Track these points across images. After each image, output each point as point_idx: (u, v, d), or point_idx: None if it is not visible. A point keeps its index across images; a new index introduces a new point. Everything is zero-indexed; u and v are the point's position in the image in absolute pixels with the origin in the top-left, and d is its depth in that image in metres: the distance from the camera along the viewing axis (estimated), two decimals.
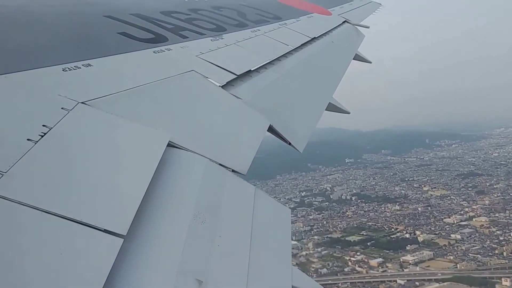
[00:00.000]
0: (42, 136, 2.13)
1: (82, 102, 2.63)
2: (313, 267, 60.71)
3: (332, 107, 6.22)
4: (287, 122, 4.34)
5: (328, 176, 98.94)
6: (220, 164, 2.90)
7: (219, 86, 4.03)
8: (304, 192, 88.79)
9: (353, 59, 9.00)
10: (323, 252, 65.21)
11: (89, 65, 3.23)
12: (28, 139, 2.07)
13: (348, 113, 6.94)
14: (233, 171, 2.96)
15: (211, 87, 3.99)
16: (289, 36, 7.01)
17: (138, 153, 2.53)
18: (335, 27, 9.60)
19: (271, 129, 3.92)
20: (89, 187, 2.05)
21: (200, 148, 2.90)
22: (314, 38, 7.69)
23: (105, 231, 1.78)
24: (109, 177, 2.19)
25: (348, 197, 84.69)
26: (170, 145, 2.70)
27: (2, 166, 1.83)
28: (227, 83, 4.15)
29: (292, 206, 78.33)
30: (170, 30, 4.99)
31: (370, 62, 10.45)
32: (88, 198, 1.97)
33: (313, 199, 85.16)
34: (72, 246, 1.69)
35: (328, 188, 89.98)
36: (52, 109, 2.44)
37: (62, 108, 2.47)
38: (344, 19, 10.85)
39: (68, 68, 3.03)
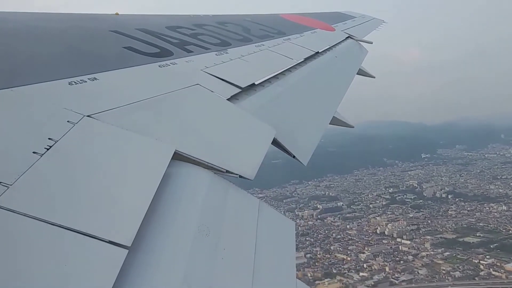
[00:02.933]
0: (48, 149, 2.15)
1: (87, 115, 2.65)
2: (443, 270, 57.82)
3: (336, 121, 6.22)
4: (291, 135, 4.35)
5: (408, 172, 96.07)
6: (227, 171, 2.90)
7: (225, 99, 4.06)
8: (391, 189, 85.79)
9: (357, 73, 9.04)
10: (445, 254, 61.64)
11: (95, 78, 3.26)
12: (34, 152, 2.08)
13: (352, 127, 6.94)
14: (240, 176, 2.96)
15: (216, 99, 4.01)
16: (293, 51, 7.05)
17: (143, 166, 2.53)
18: (338, 42, 9.66)
19: (275, 142, 3.93)
20: (94, 199, 2.05)
21: (207, 155, 2.90)
22: (318, 52, 7.74)
23: (110, 242, 1.78)
24: (114, 189, 2.19)
25: (443, 195, 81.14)
26: (176, 154, 2.70)
27: (8, 179, 1.84)
28: (232, 96, 4.17)
29: (384, 203, 78.27)
30: (175, 45, 5.04)
31: (374, 77, 10.48)
32: (93, 210, 1.97)
33: (404, 196, 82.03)
34: (77, 257, 1.69)
35: (415, 185, 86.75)
36: (58, 122, 2.46)
37: (68, 121, 2.49)
38: (348, 35, 10.92)
39: (74, 82, 3.05)
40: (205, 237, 2.28)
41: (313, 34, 9.46)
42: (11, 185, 1.82)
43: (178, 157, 2.74)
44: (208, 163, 2.85)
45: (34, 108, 2.58)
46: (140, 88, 3.58)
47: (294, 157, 4.02)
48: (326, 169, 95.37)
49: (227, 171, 2.91)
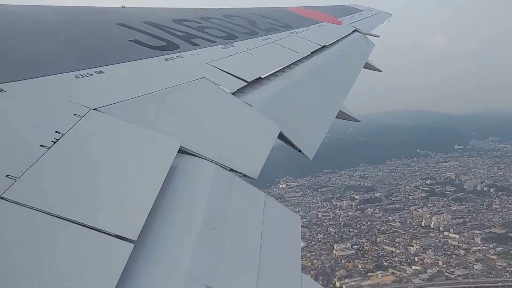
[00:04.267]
0: (55, 142, 2.15)
1: (94, 109, 2.65)
2: (499, 265, 56.56)
3: (342, 115, 6.20)
4: (297, 129, 4.34)
5: (443, 164, 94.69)
6: (231, 169, 2.91)
7: (230, 93, 4.05)
8: (428, 180, 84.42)
9: (363, 67, 8.99)
10: (498, 249, 60.02)
11: (102, 72, 3.26)
12: (41, 145, 2.09)
13: (358, 121, 6.92)
14: (243, 175, 2.96)
15: (222, 94, 4.00)
16: (300, 44, 7.02)
17: (149, 159, 2.54)
18: (345, 36, 9.61)
19: (281, 136, 3.92)
20: (100, 193, 2.06)
21: (212, 153, 2.91)
22: (325, 46, 7.70)
23: (116, 236, 1.79)
24: (120, 182, 2.20)
25: (485, 189, 79.44)
26: (181, 150, 2.71)
27: (15, 172, 1.85)
28: (238, 90, 4.16)
29: (423, 195, 77.12)
30: (181, 38, 5.03)
31: (381, 71, 10.43)
32: (99, 204, 1.98)
33: (443, 188, 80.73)
34: (83, 251, 1.70)
35: (453, 177, 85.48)
36: (64, 116, 2.47)
37: (74, 114, 2.49)
38: (354, 28, 10.86)
39: (81, 75, 3.06)
40: (211, 230, 2.29)
41: (320, 27, 9.41)
42: (18, 178, 1.83)
43: (182, 151, 2.75)
44: (212, 160, 2.85)
45: (41, 101, 2.59)
46: (146, 82, 3.58)
47: (300, 151, 4.01)
48: (358, 158, 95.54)
49: (231, 170, 2.91)
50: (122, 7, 6.02)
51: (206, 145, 3.01)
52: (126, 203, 2.06)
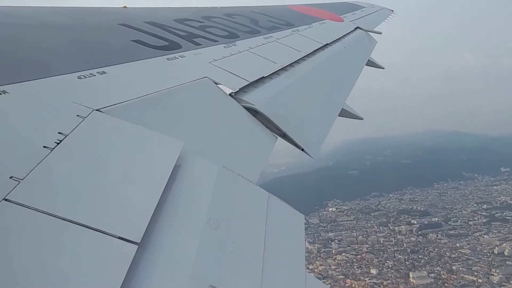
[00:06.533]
0: (58, 143, 2.16)
1: (97, 109, 2.65)
2: None
3: (345, 113, 6.19)
4: (300, 128, 4.33)
5: (494, 187, 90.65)
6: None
7: (232, 92, 4.05)
8: (484, 205, 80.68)
9: (366, 65, 8.97)
10: None
11: (104, 72, 3.26)
12: (44, 146, 2.09)
13: (361, 118, 6.89)
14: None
15: (224, 95, 4.00)
16: (302, 43, 7.01)
17: (152, 160, 2.54)
18: (347, 33, 9.59)
19: (284, 136, 3.91)
20: (103, 194, 2.06)
21: (212, 155, 2.91)
22: (327, 44, 7.68)
23: (120, 238, 1.79)
24: (123, 184, 2.20)
25: None
26: (183, 152, 2.71)
27: (19, 173, 1.86)
28: (240, 89, 4.16)
29: (484, 220, 73.79)
30: (183, 37, 5.03)
31: (383, 68, 10.40)
32: (103, 205, 1.98)
33: (502, 213, 76.51)
34: (87, 253, 1.70)
35: (510, 201, 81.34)
36: (67, 117, 2.47)
37: (77, 115, 2.50)
38: (356, 26, 10.83)
39: (83, 76, 3.06)
40: (215, 230, 2.29)
41: (322, 25, 9.40)
42: (22, 179, 1.83)
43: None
44: (214, 162, 2.86)
45: (44, 103, 2.59)
46: (148, 82, 3.58)
47: (303, 150, 4.01)
48: (404, 181, 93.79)
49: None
50: (124, 7, 6.02)
51: (208, 147, 3.02)
52: (129, 205, 2.06)
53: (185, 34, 5.22)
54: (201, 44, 5.01)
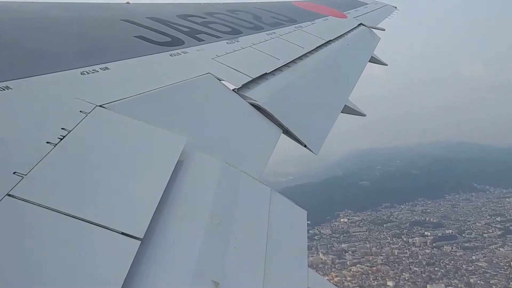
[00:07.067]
0: (61, 139, 2.16)
1: (100, 105, 2.65)
2: None
3: (348, 110, 6.18)
4: (302, 124, 4.33)
5: (507, 199, 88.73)
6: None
7: (235, 88, 4.04)
8: (498, 217, 78.63)
9: (369, 61, 8.95)
10: None
11: (107, 68, 3.26)
12: (47, 142, 2.10)
13: (364, 115, 6.88)
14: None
15: (227, 90, 4.00)
16: (305, 39, 7.00)
17: (155, 156, 2.54)
18: (350, 30, 9.57)
19: (287, 132, 3.91)
20: (107, 190, 2.06)
21: (216, 151, 2.91)
22: (330, 40, 7.67)
23: (123, 233, 1.79)
24: (126, 179, 2.20)
25: None
26: (186, 147, 2.71)
27: (22, 169, 1.86)
28: (243, 85, 4.15)
29: (499, 233, 72.61)
30: (186, 33, 5.03)
31: (386, 65, 10.38)
32: (106, 201, 1.98)
33: None
34: (90, 249, 1.70)
35: None
36: (70, 112, 2.47)
37: (80, 111, 2.50)
38: (360, 22, 10.81)
39: (86, 72, 3.06)
40: (217, 226, 2.29)
41: (325, 21, 9.37)
42: (25, 175, 1.84)
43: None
44: (217, 158, 2.86)
45: (47, 99, 2.59)
46: (151, 78, 3.58)
47: (305, 146, 4.01)
48: (415, 192, 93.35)
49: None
50: (126, 3, 6.02)
51: (211, 143, 3.02)
52: (132, 200, 2.06)
53: (188, 30, 5.21)
54: (204, 40, 5.01)
